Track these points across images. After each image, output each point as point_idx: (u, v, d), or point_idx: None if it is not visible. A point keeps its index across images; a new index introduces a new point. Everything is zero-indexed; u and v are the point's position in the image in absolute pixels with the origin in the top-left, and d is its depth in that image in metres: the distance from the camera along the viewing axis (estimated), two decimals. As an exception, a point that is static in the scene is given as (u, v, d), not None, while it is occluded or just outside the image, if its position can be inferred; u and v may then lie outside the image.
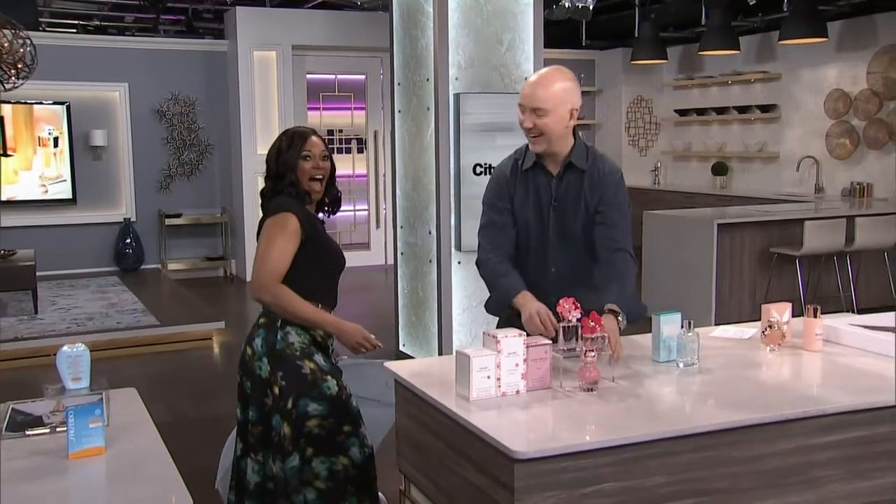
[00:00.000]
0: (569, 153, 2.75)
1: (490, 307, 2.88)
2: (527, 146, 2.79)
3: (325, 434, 2.73)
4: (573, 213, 2.75)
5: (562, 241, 2.77)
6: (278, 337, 2.74)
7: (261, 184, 2.99)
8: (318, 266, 2.79)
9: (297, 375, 2.72)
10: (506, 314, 2.79)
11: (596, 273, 2.74)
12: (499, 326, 2.75)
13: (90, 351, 2.68)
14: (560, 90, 2.66)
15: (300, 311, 2.72)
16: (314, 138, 2.85)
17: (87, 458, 2.13)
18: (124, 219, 9.15)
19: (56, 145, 8.80)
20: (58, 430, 2.30)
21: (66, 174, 8.85)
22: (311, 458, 2.72)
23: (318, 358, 2.78)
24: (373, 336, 2.81)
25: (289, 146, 2.82)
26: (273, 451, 2.73)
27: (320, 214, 2.94)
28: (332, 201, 2.95)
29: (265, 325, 2.78)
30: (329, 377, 2.76)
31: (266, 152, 2.90)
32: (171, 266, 9.31)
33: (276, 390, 2.71)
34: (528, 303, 2.61)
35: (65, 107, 8.77)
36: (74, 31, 9.62)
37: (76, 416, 2.12)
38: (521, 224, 2.81)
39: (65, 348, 2.65)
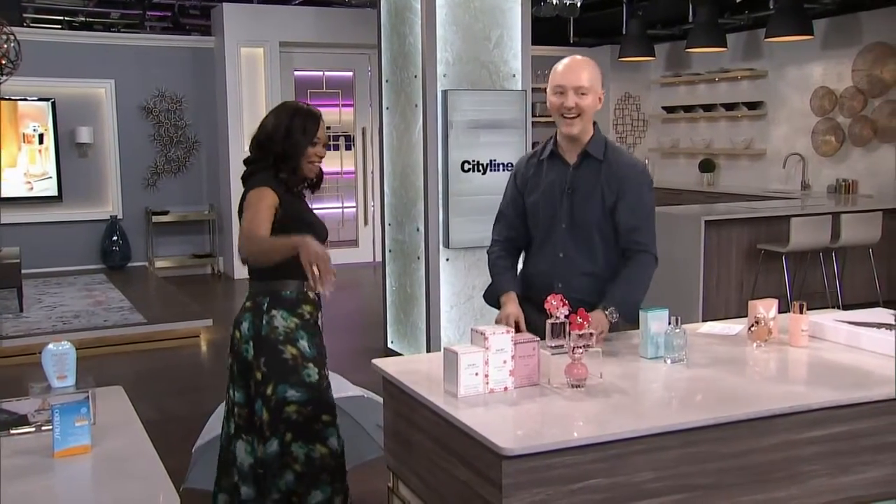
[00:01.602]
0: (587, 143, 2.82)
1: (486, 299, 3.02)
2: (549, 139, 2.89)
3: (303, 420, 2.73)
4: (587, 202, 2.80)
5: (572, 228, 2.82)
6: (263, 322, 2.73)
7: None
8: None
9: (278, 361, 2.71)
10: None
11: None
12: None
13: (76, 349, 2.67)
14: (597, 73, 2.80)
15: (268, 244, 2.56)
16: (321, 122, 2.80)
17: (72, 457, 2.12)
18: (111, 216, 9.09)
19: (41, 142, 8.73)
20: (43, 428, 2.29)
21: (52, 171, 8.79)
22: (291, 442, 2.73)
23: (303, 343, 2.75)
24: (326, 255, 2.41)
25: (302, 130, 2.74)
26: (256, 435, 2.75)
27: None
28: (317, 178, 2.91)
29: (251, 310, 2.77)
30: (311, 364, 2.75)
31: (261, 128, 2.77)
32: (159, 263, 9.26)
33: (259, 375, 2.72)
34: (506, 304, 2.80)
35: (50, 103, 8.71)
36: (59, 27, 9.53)
37: (62, 414, 2.11)
38: (531, 210, 2.89)
39: (50, 346, 2.63)
